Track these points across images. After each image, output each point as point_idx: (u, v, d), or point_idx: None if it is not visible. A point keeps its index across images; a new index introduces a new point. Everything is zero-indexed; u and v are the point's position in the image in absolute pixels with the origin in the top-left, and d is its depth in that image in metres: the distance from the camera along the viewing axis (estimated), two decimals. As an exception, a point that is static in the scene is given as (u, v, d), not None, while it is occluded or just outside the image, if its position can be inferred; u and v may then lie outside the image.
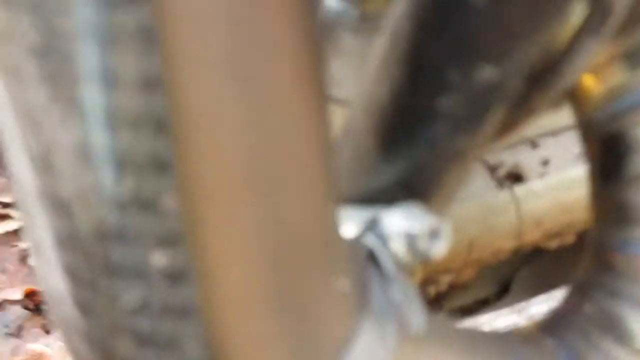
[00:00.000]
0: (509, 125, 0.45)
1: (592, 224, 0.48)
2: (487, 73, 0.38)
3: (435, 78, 0.39)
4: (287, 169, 0.34)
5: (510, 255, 0.63)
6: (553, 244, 0.65)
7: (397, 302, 0.40)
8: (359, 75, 0.47)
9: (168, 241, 0.33)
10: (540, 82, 0.42)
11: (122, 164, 0.31)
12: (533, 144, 0.64)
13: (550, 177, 0.63)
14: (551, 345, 0.46)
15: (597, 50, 0.43)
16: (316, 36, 0.33)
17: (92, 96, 0.31)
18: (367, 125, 0.43)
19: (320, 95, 0.34)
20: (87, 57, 0.30)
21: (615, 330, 0.46)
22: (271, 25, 0.31)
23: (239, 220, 0.33)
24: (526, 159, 0.63)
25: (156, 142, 0.31)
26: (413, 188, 0.43)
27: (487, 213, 0.61)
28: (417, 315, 0.40)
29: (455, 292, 0.66)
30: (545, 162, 0.64)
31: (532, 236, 0.63)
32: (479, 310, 0.70)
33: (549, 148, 0.64)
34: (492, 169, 0.62)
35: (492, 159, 0.62)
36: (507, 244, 0.63)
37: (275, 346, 0.37)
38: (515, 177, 0.63)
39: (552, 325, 0.47)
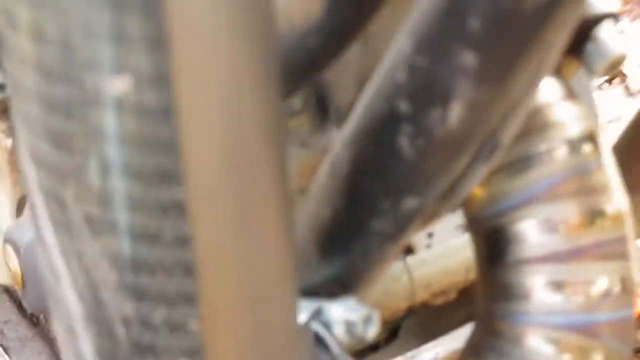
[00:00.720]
0: (417, 229, 0.58)
1: (480, 299, 0.61)
2: (411, 202, 0.50)
3: (369, 206, 0.51)
4: (269, 290, 0.45)
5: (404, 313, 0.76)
6: (439, 301, 0.78)
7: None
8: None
9: (191, 353, 0.43)
10: (445, 199, 0.55)
11: (155, 299, 0.42)
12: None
13: (435, 248, 0.77)
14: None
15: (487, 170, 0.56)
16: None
17: (132, 247, 0.41)
18: (311, 237, 0.55)
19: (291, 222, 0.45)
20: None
21: (503, 383, 0.58)
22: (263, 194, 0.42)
23: (240, 332, 0.44)
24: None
25: (184, 282, 0.42)
26: (347, 284, 0.55)
27: (385, 281, 0.73)
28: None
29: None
30: (430, 235, 0.77)
31: (422, 297, 0.76)
32: (370, 354, 0.82)
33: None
34: (388, 243, 0.75)
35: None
36: (402, 305, 0.75)
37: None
38: (407, 250, 0.76)
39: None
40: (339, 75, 0.64)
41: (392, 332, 0.82)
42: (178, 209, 0.41)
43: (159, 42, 0.36)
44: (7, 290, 1.30)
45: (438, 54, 0.44)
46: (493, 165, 0.59)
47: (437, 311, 0.80)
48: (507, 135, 0.53)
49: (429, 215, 0.56)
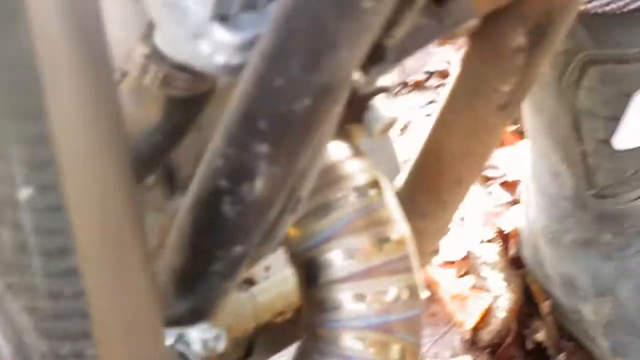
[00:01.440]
0: (250, 266, 0.77)
1: (305, 314, 0.81)
2: (238, 249, 0.69)
3: (207, 255, 0.70)
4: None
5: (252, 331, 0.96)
6: (279, 319, 0.98)
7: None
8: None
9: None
10: (265, 243, 0.74)
11: (62, 338, 0.61)
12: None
13: (272, 278, 0.96)
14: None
15: (295, 218, 0.75)
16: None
17: (42, 303, 0.60)
18: (169, 280, 0.73)
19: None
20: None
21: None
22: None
23: (125, 355, 0.63)
24: (255, 269, 0.96)
25: (81, 323, 0.60)
26: (201, 313, 0.74)
27: (235, 309, 0.93)
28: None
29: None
30: (267, 269, 0.97)
31: (265, 318, 0.96)
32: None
33: (269, 258, 0.97)
34: (234, 279, 0.95)
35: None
36: (250, 325, 0.95)
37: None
38: (250, 282, 0.95)
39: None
40: (180, 156, 0.83)
41: (248, 349, 1.01)
42: (74, 273, 0.59)
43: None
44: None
45: (241, 146, 0.63)
46: (301, 213, 0.79)
47: (281, 329, 0.99)
48: (305, 191, 0.73)
49: (255, 256, 0.75)
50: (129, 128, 0.69)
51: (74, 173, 0.57)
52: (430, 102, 2.47)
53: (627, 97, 1.65)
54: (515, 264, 2.17)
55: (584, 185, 1.82)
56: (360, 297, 0.77)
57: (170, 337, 0.72)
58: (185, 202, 0.70)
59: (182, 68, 0.67)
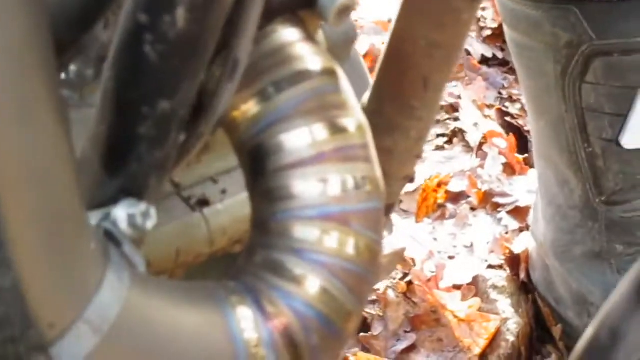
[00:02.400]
0: (189, 146, 0.70)
1: (252, 209, 0.73)
2: (164, 105, 0.62)
3: (132, 114, 0.63)
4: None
5: (208, 259, 0.88)
6: (237, 248, 0.90)
7: (127, 254, 0.63)
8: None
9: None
10: (200, 113, 0.67)
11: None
12: (214, 180, 0.89)
13: (228, 201, 0.89)
14: (236, 287, 0.70)
15: (235, 92, 0.68)
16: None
17: None
18: (94, 154, 0.66)
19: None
20: None
21: (278, 270, 0.70)
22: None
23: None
24: (210, 191, 0.88)
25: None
26: (131, 192, 0.67)
27: (186, 230, 0.85)
28: (140, 263, 0.63)
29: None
30: (224, 192, 0.89)
31: (221, 244, 0.88)
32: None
33: (226, 182, 0.90)
34: (186, 200, 0.87)
35: (185, 193, 0.87)
36: (204, 250, 0.87)
37: (52, 288, 0.58)
38: (204, 203, 0.87)
39: (235, 274, 0.71)
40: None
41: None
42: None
43: None
44: None
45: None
46: (246, 94, 0.72)
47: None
48: (242, 52, 0.66)
49: (195, 132, 0.68)
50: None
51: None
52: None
53: (633, 90, 1.59)
54: (525, 289, 2.10)
55: (592, 192, 1.76)
56: (312, 184, 0.69)
57: (95, 218, 0.64)
58: (108, 57, 0.63)
59: None
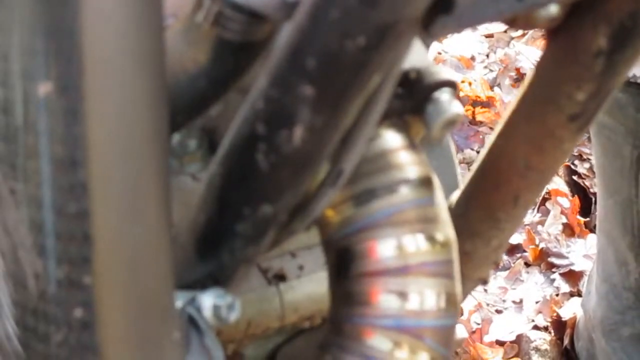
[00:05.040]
0: (278, 241, 0.71)
1: (331, 307, 0.75)
2: (266, 209, 0.64)
3: (234, 212, 0.65)
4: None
5: (276, 332, 0.89)
6: (306, 324, 0.91)
7: (207, 346, 0.64)
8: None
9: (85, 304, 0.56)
10: (299, 214, 0.68)
11: (59, 259, 0.55)
12: (293, 255, 0.91)
13: (304, 278, 0.90)
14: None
15: (334, 194, 0.69)
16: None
17: (44, 217, 0.55)
18: (189, 237, 0.68)
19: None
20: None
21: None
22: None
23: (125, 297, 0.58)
24: (288, 265, 0.90)
25: (82, 247, 0.55)
26: (218, 279, 0.68)
27: (260, 302, 0.87)
28: (219, 358, 0.65)
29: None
30: (301, 268, 0.91)
31: (291, 319, 0.90)
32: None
33: (305, 258, 0.91)
34: (264, 272, 0.88)
35: (264, 264, 0.88)
36: (274, 324, 0.89)
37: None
38: (280, 277, 0.89)
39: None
40: (224, 122, 0.78)
41: (271, 357, 0.95)
42: (81, 188, 0.54)
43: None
44: None
45: (285, 87, 0.58)
46: (343, 195, 0.73)
47: (305, 337, 0.93)
48: (348, 164, 0.67)
49: (286, 229, 0.70)
50: (174, 68, 0.64)
51: (99, 79, 0.53)
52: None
53: None
54: (567, 356, 2.10)
55: (650, 278, 1.76)
56: (392, 295, 0.71)
57: (181, 300, 0.66)
58: (217, 154, 0.65)
59: (236, 7, 0.63)
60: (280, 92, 0.58)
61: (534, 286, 2.25)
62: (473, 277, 0.92)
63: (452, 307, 0.73)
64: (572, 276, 2.27)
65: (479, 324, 2.10)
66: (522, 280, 2.27)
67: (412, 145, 0.76)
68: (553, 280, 2.26)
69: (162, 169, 0.56)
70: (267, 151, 0.61)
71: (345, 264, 0.73)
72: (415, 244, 0.72)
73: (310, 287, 0.89)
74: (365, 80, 0.57)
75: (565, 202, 2.43)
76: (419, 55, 0.74)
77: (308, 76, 0.56)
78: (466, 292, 0.95)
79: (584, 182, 2.56)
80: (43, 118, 0.53)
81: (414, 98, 0.74)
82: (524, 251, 2.34)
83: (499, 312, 2.17)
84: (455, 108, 0.73)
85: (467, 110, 2.70)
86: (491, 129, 2.67)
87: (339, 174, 0.67)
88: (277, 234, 0.70)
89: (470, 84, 2.84)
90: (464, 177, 0.91)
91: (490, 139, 0.83)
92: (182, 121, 0.69)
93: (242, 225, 0.65)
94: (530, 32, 3.11)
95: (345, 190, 0.73)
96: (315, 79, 0.56)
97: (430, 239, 0.73)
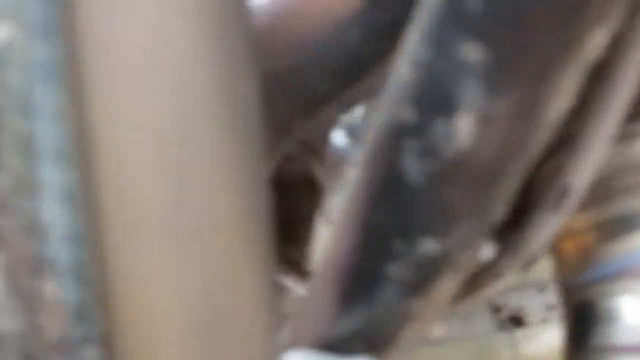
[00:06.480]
0: (473, 289, 0.46)
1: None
2: (428, 245, 0.39)
3: (381, 245, 0.40)
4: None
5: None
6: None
7: None
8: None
9: None
10: (505, 250, 0.43)
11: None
12: (541, 288, 0.64)
13: (553, 324, 0.63)
14: None
15: (558, 222, 0.44)
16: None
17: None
18: (329, 277, 0.44)
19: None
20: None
21: None
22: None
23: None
24: (532, 302, 0.63)
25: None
26: (371, 341, 0.44)
27: (483, 355, 0.61)
28: None
29: None
30: (551, 308, 0.64)
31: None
32: None
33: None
34: (496, 310, 0.62)
35: (498, 299, 0.62)
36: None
37: None
38: (517, 321, 0.63)
39: None
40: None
41: None
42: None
43: None
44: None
45: (440, 46, 0.33)
46: (587, 220, 0.47)
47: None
48: (579, 181, 0.41)
49: (491, 271, 0.45)
50: (317, 17, 0.41)
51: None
52: None
53: None
54: None
55: None
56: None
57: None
58: (358, 158, 0.41)
59: None
60: (434, 55, 0.34)
61: None
62: None
63: None
64: None
65: None
66: None
67: None
68: None
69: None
70: (419, 152, 0.36)
71: (584, 326, 0.47)
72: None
73: (558, 337, 0.62)
74: (575, 32, 0.31)
75: None
76: None
77: (471, 28, 0.32)
78: None
79: None
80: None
81: None
82: None
83: None
84: None
85: None
86: None
87: (564, 193, 0.41)
88: (474, 278, 0.45)
89: None
90: None
91: None
92: (330, 93, 0.45)
93: (395, 266, 0.41)
94: None
95: (587, 212, 0.46)
96: (483, 33, 0.31)
97: None
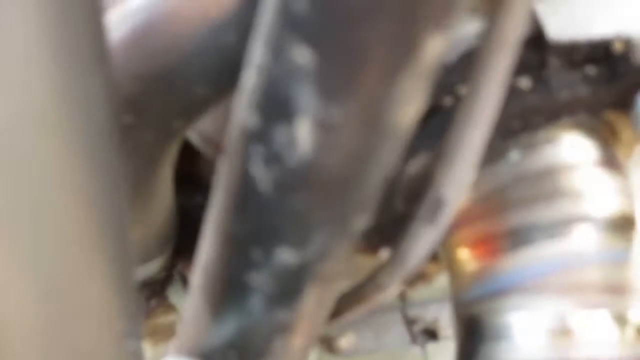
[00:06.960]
0: (357, 301, 0.45)
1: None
2: (287, 255, 0.37)
3: (241, 254, 0.39)
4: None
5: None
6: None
7: None
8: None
9: None
10: (384, 262, 0.42)
11: None
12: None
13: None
14: None
15: (435, 234, 0.42)
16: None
17: None
18: (201, 285, 0.43)
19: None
20: None
21: None
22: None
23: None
24: (444, 316, 0.61)
25: None
26: (244, 352, 0.43)
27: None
28: None
29: None
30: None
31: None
32: None
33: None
34: (410, 322, 0.60)
35: (411, 311, 0.60)
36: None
37: None
38: (431, 334, 0.61)
39: None
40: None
41: None
42: None
43: None
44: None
45: (275, 48, 0.32)
46: (479, 232, 0.45)
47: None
48: (453, 192, 0.39)
49: (374, 282, 0.43)
50: (193, 17, 0.40)
51: None
52: None
53: None
54: None
55: None
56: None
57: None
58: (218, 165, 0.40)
59: None
60: (270, 57, 0.32)
61: None
62: None
63: None
64: None
65: None
66: None
67: (608, 161, 0.46)
68: None
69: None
70: (266, 160, 0.34)
71: (473, 342, 0.45)
72: (593, 327, 0.43)
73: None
74: (411, 35, 0.30)
75: None
76: (630, 16, 0.45)
77: (300, 28, 0.30)
78: None
79: None
80: None
81: (617, 83, 0.45)
82: None
83: None
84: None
85: None
86: None
87: (437, 205, 0.40)
88: (356, 290, 0.43)
89: None
90: None
91: None
92: (209, 95, 0.44)
93: (257, 275, 0.39)
94: None
95: (483, 226, 0.45)
96: (310, 33, 0.30)
97: (620, 320, 0.44)
